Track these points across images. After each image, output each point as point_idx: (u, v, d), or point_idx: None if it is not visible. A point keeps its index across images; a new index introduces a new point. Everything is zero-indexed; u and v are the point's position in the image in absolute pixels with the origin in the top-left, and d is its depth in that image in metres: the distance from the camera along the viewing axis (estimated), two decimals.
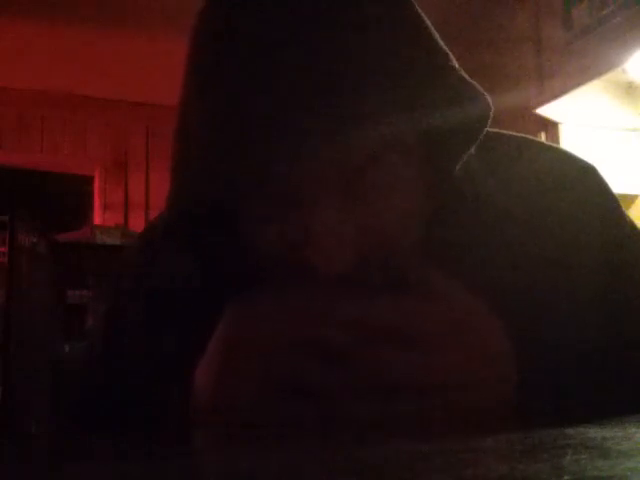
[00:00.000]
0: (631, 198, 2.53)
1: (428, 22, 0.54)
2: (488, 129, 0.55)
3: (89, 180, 4.35)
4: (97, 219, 4.23)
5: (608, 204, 0.64)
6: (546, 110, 2.52)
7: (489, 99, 0.53)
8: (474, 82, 0.53)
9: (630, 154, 2.61)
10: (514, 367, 0.49)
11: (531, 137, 0.68)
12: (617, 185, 2.41)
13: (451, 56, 0.54)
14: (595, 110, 2.50)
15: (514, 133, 0.68)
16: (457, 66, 0.53)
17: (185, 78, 0.53)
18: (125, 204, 4.28)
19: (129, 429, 0.59)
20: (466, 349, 0.47)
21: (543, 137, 2.61)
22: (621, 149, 2.60)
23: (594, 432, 0.38)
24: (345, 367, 0.46)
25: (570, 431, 0.39)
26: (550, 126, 2.60)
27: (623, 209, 0.65)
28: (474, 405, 0.47)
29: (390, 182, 0.52)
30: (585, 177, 0.64)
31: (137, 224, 4.09)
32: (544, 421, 0.43)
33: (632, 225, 0.65)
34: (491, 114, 0.53)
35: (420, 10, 0.55)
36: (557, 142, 2.56)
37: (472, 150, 0.55)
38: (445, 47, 0.54)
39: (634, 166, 2.56)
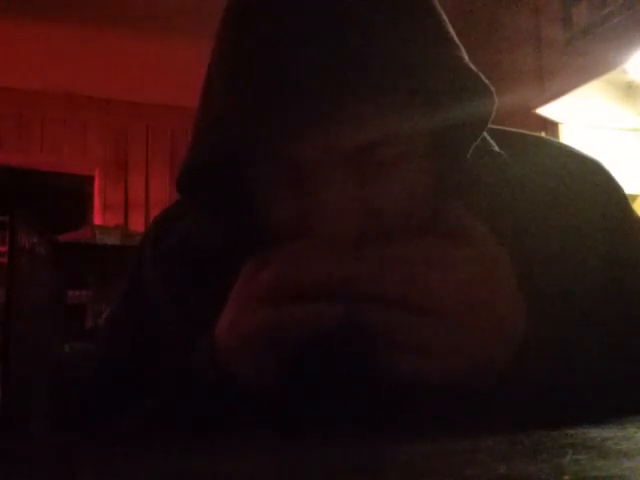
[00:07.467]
0: (631, 198, 2.53)
1: (443, 15, 0.56)
2: (501, 127, 0.56)
3: (89, 180, 4.35)
4: (97, 219, 4.22)
5: (611, 198, 0.65)
6: (546, 110, 2.51)
7: (493, 89, 0.54)
8: (480, 73, 0.54)
9: (630, 154, 2.60)
10: (522, 327, 0.48)
11: (542, 136, 0.70)
12: None
13: (461, 48, 0.55)
14: (595, 110, 2.50)
15: (526, 132, 0.69)
16: (466, 58, 0.54)
17: (215, 39, 0.55)
18: (125, 204, 4.28)
19: (129, 427, 0.59)
20: (477, 316, 0.46)
21: None
22: (621, 149, 2.60)
23: (594, 432, 0.38)
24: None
25: (570, 431, 0.39)
26: (550, 126, 2.60)
27: (629, 203, 0.67)
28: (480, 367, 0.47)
29: (393, 165, 0.54)
30: (590, 173, 0.65)
31: (137, 224, 4.09)
32: (544, 421, 0.43)
33: (635, 219, 0.66)
34: (495, 104, 0.54)
35: (437, 4, 0.56)
36: None
37: (478, 141, 0.57)
38: (456, 39, 0.55)
39: (634, 166, 2.56)
